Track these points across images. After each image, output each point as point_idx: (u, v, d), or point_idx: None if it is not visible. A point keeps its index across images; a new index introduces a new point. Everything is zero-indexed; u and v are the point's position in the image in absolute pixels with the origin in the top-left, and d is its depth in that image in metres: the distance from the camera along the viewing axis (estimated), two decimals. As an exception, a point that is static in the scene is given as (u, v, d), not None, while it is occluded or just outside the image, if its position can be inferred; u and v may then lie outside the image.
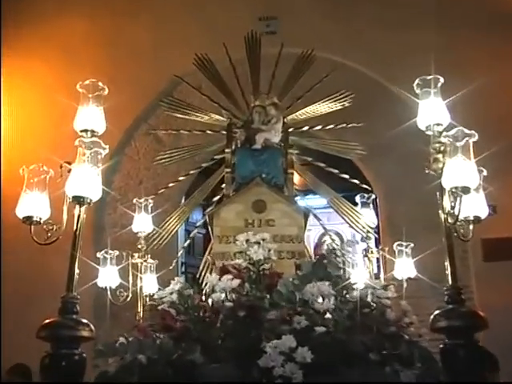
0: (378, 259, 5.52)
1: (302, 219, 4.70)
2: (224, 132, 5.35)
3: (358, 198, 5.49)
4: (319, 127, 5.53)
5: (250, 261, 3.74)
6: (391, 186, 7.12)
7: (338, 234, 12.45)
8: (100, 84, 3.68)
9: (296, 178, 5.31)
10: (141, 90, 7.09)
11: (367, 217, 5.32)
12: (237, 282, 3.49)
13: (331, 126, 5.51)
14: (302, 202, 5.30)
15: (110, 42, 7.38)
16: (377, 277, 5.25)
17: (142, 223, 5.11)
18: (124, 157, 7.48)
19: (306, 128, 5.49)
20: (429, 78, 3.44)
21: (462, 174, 3.11)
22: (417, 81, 3.48)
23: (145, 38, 7.39)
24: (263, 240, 3.80)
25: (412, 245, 5.08)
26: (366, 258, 5.25)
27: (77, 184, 3.25)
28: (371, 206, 5.55)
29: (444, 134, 3.21)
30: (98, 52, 7.33)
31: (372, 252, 5.26)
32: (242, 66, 5.64)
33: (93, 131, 3.55)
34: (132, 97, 6.86)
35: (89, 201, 3.26)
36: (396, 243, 5.12)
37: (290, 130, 5.39)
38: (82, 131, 3.55)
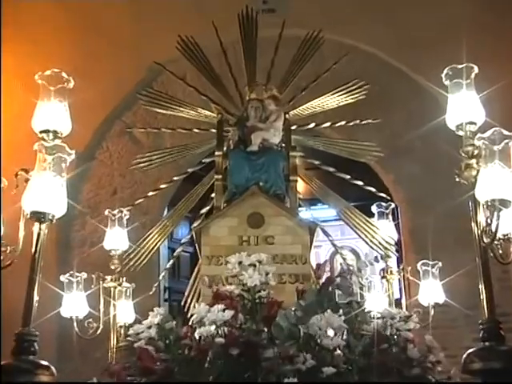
0: (399, 281, 5.49)
1: (307, 235, 4.64)
2: (214, 130, 5.32)
3: (374, 208, 5.45)
4: (327, 124, 5.56)
5: (243, 287, 3.66)
6: (415, 194, 7.09)
7: (353, 251, 12.46)
8: (64, 75, 3.61)
9: (301, 186, 5.28)
10: (115, 82, 7.06)
11: (385, 230, 5.28)
12: (230, 313, 3.42)
13: (342, 123, 5.52)
14: (308, 213, 5.24)
15: (83, 29, 7.30)
16: (398, 303, 5.20)
17: (116, 239, 5.07)
18: (95, 162, 7.45)
19: (311, 125, 5.48)
20: (460, 66, 3.38)
21: (499, 185, 3.03)
22: (446, 70, 3.42)
23: (122, 22, 7.34)
24: (259, 262, 3.73)
25: (440, 264, 5.03)
26: (384, 280, 5.22)
27: (36, 197, 3.16)
28: (390, 217, 5.51)
29: (478, 135, 3.15)
30: (68, 40, 7.26)
31: (391, 273, 5.22)
32: (236, 51, 5.61)
33: (55, 132, 3.47)
34: (104, 90, 6.87)
35: (51, 217, 3.18)
36: (420, 262, 5.06)
37: (293, 127, 5.36)
38: (42, 132, 3.47)
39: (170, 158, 5.46)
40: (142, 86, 6.47)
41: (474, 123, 3.30)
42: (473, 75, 3.39)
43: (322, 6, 6.99)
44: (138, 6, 7.28)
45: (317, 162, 5.44)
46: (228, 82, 5.53)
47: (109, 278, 4.95)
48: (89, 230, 7.05)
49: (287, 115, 5.30)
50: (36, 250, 3.17)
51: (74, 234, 7.19)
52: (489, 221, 3.04)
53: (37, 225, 3.17)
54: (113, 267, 4.98)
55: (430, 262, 5.05)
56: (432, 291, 5.03)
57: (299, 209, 5.03)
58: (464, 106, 3.34)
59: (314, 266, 4.63)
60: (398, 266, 5.58)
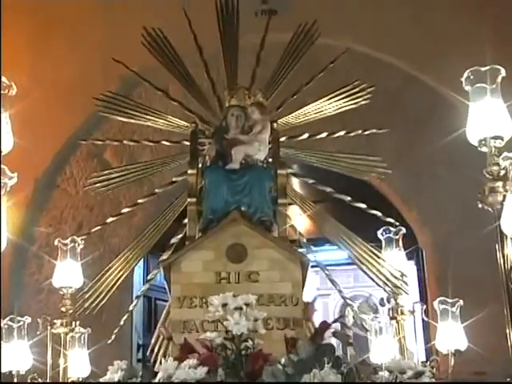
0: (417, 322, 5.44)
1: (299, 271, 4.62)
2: (186, 142, 5.32)
3: (379, 234, 5.43)
4: (324, 135, 5.51)
5: (226, 335, 3.62)
6: (442, 235, 7.06)
7: (368, 300, 12.43)
8: (4, 79, 3.60)
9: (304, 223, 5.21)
10: (82, 94, 6.87)
11: (394, 260, 5.25)
12: (203, 370, 3.38)
13: (341, 133, 5.52)
14: (311, 255, 5.20)
15: (41, 30, 7.30)
16: (412, 350, 5.18)
17: (68, 274, 5.08)
18: (56, 191, 7.39)
19: (304, 136, 5.50)
20: (484, 69, 3.38)
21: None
22: (466, 73, 3.42)
23: (88, 21, 7.35)
24: (247, 305, 3.69)
25: (461, 302, 4.99)
26: (394, 322, 5.18)
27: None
28: (401, 244, 5.48)
29: (505, 153, 3.15)
30: (24, 43, 7.24)
31: (403, 313, 5.17)
32: (213, 48, 5.62)
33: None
34: (69, 104, 6.85)
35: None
36: (438, 299, 5.02)
37: (282, 139, 5.38)
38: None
39: (133, 177, 5.45)
40: None
41: (501, 138, 3.30)
42: (499, 79, 3.38)
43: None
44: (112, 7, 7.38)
45: (311, 181, 5.42)
46: (204, 83, 5.60)
47: (58, 322, 4.94)
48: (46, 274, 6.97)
49: (275, 124, 5.31)
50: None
51: (27, 278, 7.18)
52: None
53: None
54: (63, 309, 4.97)
55: (449, 300, 5.00)
56: (452, 335, 4.98)
57: (299, 250, 5.02)
58: (488, 117, 3.35)
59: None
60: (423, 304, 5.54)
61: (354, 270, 6.60)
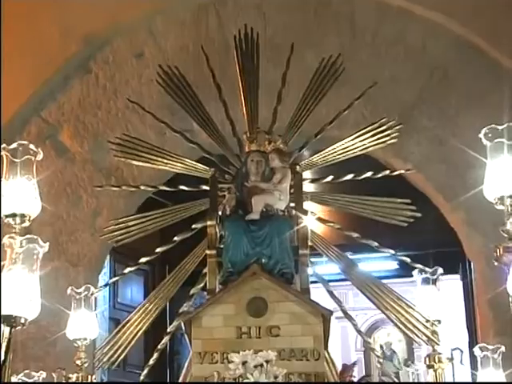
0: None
1: (321, 324, 4.74)
2: (206, 188, 5.44)
3: (415, 274, 5.39)
4: (349, 177, 5.59)
5: (246, 393, 3.78)
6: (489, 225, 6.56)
7: (393, 358, 12.36)
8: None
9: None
10: (33, 58, 6.29)
11: (429, 302, 5.21)
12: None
13: (367, 175, 5.57)
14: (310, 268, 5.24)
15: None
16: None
17: (82, 325, 5.03)
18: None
19: (328, 179, 5.61)
20: (501, 128, 3.45)
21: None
22: (484, 130, 3.49)
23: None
24: (267, 362, 3.82)
25: (502, 348, 4.96)
26: (431, 371, 5.15)
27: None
28: (439, 285, 5.42)
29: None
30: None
31: (440, 360, 5.11)
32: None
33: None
34: (17, 71, 6.09)
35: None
36: (478, 346, 4.98)
37: (306, 181, 5.52)
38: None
39: (153, 224, 5.54)
40: (74, 65, 6.12)
41: (519, 197, 3.37)
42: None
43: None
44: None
45: (356, 235, 5.48)
46: (218, 116, 5.68)
47: (74, 376, 4.90)
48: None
49: (298, 167, 5.43)
50: (6, 358, 3.34)
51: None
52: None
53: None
54: (78, 362, 4.91)
55: (490, 346, 4.95)
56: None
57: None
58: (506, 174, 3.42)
59: (340, 366, 4.61)
60: (470, 348, 5.46)
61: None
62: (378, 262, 8.99)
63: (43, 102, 6.62)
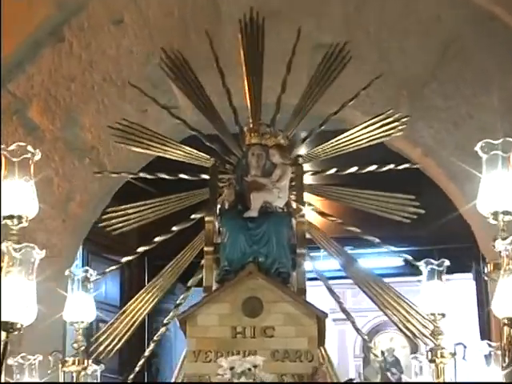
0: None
1: (315, 326, 4.77)
2: (206, 177, 5.46)
3: (422, 266, 5.33)
4: (353, 169, 5.58)
5: (236, 396, 3.87)
6: None
7: (374, 365, 12.19)
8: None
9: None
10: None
11: (434, 295, 5.19)
12: None
13: (370, 169, 5.53)
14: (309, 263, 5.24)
15: None
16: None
17: (79, 308, 4.98)
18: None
19: (332, 171, 5.60)
20: (496, 142, 3.48)
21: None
22: (480, 144, 3.50)
23: None
24: (254, 367, 3.85)
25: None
26: (433, 365, 5.14)
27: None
28: (444, 278, 5.37)
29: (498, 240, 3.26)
30: None
31: (443, 355, 5.08)
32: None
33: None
34: None
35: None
36: (486, 342, 4.94)
37: (309, 173, 5.55)
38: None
39: (152, 213, 5.55)
40: (44, 32, 5.83)
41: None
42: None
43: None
44: None
45: (357, 230, 5.48)
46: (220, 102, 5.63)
47: (70, 359, 4.84)
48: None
49: (300, 159, 5.44)
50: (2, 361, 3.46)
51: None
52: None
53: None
54: (75, 345, 4.87)
55: (493, 344, 4.93)
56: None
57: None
58: (501, 188, 3.45)
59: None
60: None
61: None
62: (382, 259, 9.04)
63: (10, 74, 6.23)
